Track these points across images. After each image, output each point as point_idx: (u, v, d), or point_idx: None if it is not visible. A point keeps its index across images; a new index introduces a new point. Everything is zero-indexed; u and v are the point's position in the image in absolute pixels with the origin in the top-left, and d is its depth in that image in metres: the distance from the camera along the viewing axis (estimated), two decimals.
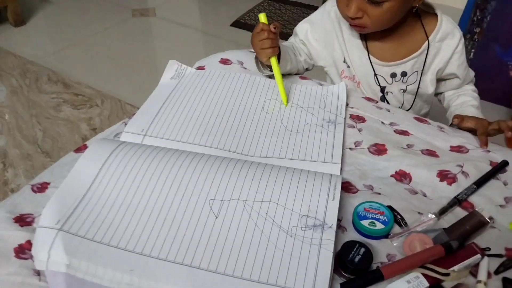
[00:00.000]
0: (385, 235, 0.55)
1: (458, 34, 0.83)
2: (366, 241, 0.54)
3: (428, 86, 0.87)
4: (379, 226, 0.54)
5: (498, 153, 0.69)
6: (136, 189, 0.54)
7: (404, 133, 0.73)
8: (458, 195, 0.60)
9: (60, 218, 0.51)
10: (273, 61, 0.76)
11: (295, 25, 0.94)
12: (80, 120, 1.70)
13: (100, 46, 2.22)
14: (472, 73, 0.92)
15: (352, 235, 0.55)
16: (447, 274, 0.48)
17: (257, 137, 0.70)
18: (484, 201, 0.61)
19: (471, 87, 0.92)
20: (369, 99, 0.82)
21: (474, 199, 0.61)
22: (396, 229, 0.56)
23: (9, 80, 1.92)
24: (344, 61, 0.89)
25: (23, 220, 0.56)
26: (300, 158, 0.65)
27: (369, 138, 0.71)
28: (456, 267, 0.49)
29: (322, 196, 0.54)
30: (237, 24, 2.35)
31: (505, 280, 0.50)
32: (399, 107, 0.90)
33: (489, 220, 0.55)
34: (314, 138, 0.69)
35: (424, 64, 0.84)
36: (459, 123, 0.75)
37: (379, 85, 0.87)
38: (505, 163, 0.66)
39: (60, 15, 2.48)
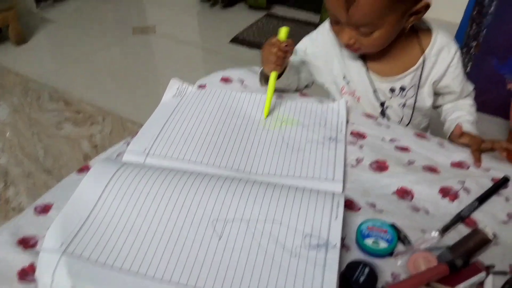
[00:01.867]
0: (389, 253, 0.55)
1: (454, 47, 0.85)
2: (370, 260, 0.54)
3: (426, 99, 0.88)
4: (383, 244, 0.54)
5: (499, 169, 0.69)
6: (139, 210, 0.55)
7: (404, 149, 0.73)
8: (461, 211, 0.61)
9: (63, 241, 0.51)
10: (272, 75, 0.78)
11: (293, 41, 0.95)
12: (81, 138, 1.71)
13: (101, 63, 2.24)
14: (470, 87, 0.92)
15: (356, 254, 0.55)
16: None
17: (259, 155, 0.70)
18: (487, 218, 0.61)
19: (469, 101, 0.92)
20: (369, 116, 0.83)
21: (476, 215, 0.61)
22: (400, 247, 0.56)
23: (11, 98, 1.94)
24: (344, 77, 0.90)
25: (27, 243, 0.56)
26: (302, 176, 0.66)
27: (370, 155, 0.71)
28: (461, 285, 0.49)
29: (325, 215, 0.54)
30: (236, 40, 2.38)
31: None
32: (399, 122, 0.91)
33: (492, 237, 0.55)
34: (315, 155, 0.69)
35: (420, 78, 0.85)
36: (456, 137, 0.76)
37: (379, 100, 0.88)
38: (506, 179, 0.66)
39: (61, 33, 2.51)
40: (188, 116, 0.77)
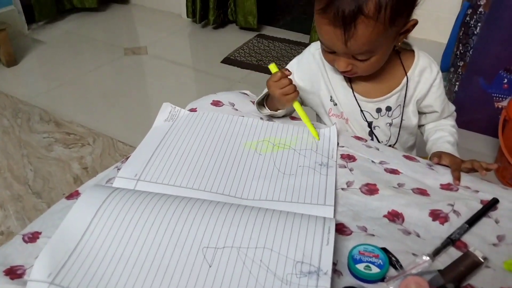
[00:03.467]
0: (381, 278, 0.54)
1: (435, 68, 0.87)
2: (362, 285, 0.53)
3: (411, 118, 0.90)
4: (375, 269, 0.54)
5: (487, 191, 0.70)
6: (129, 239, 0.54)
7: (394, 172, 0.74)
8: (451, 234, 0.61)
9: (51, 271, 0.50)
10: (297, 104, 0.80)
11: (284, 61, 0.97)
12: (71, 159, 1.70)
13: (92, 84, 2.24)
14: (452, 108, 0.94)
15: (348, 279, 0.55)
16: None
17: (250, 180, 0.70)
18: (477, 240, 0.61)
19: (451, 122, 0.94)
20: (358, 138, 0.83)
21: (467, 238, 0.61)
22: (392, 272, 0.56)
23: (1, 120, 1.92)
24: (331, 100, 0.91)
25: (14, 273, 0.55)
26: (293, 201, 0.66)
27: (360, 178, 0.71)
28: None
29: (316, 241, 0.54)
30: (227, 60, 2.40)
31: None
32: (387, 141, 0.92)
33: (483, 260, 0.56)
34: (307, 180, 0.69)
35: (405, 98, 0.87)
36: (435, 161, 0.77)
37: (366, 121, 0.89)
38: (495, 201, 0.66)
39: (53, 55, 2.51)
40: (179, 140, 0.77)
